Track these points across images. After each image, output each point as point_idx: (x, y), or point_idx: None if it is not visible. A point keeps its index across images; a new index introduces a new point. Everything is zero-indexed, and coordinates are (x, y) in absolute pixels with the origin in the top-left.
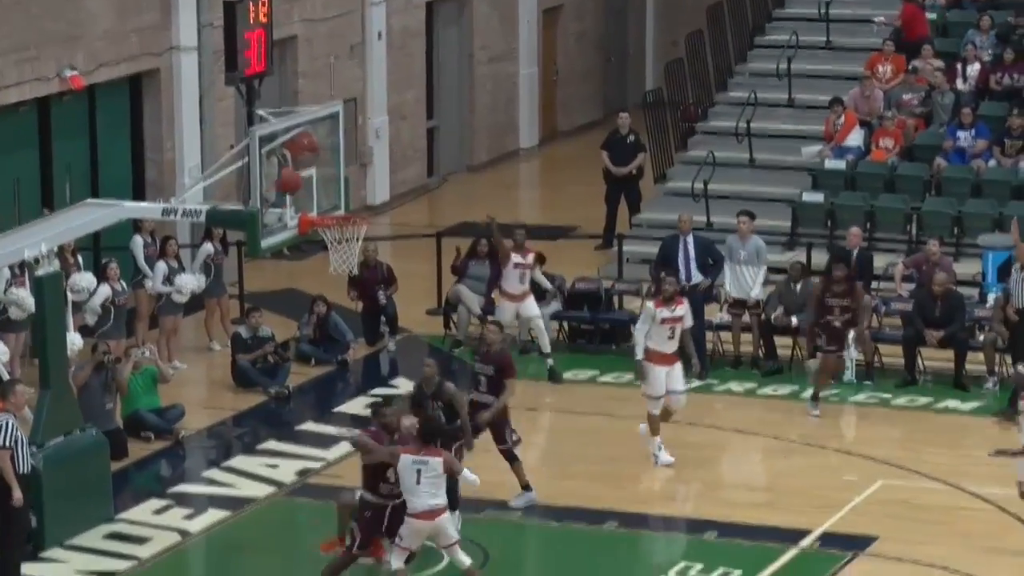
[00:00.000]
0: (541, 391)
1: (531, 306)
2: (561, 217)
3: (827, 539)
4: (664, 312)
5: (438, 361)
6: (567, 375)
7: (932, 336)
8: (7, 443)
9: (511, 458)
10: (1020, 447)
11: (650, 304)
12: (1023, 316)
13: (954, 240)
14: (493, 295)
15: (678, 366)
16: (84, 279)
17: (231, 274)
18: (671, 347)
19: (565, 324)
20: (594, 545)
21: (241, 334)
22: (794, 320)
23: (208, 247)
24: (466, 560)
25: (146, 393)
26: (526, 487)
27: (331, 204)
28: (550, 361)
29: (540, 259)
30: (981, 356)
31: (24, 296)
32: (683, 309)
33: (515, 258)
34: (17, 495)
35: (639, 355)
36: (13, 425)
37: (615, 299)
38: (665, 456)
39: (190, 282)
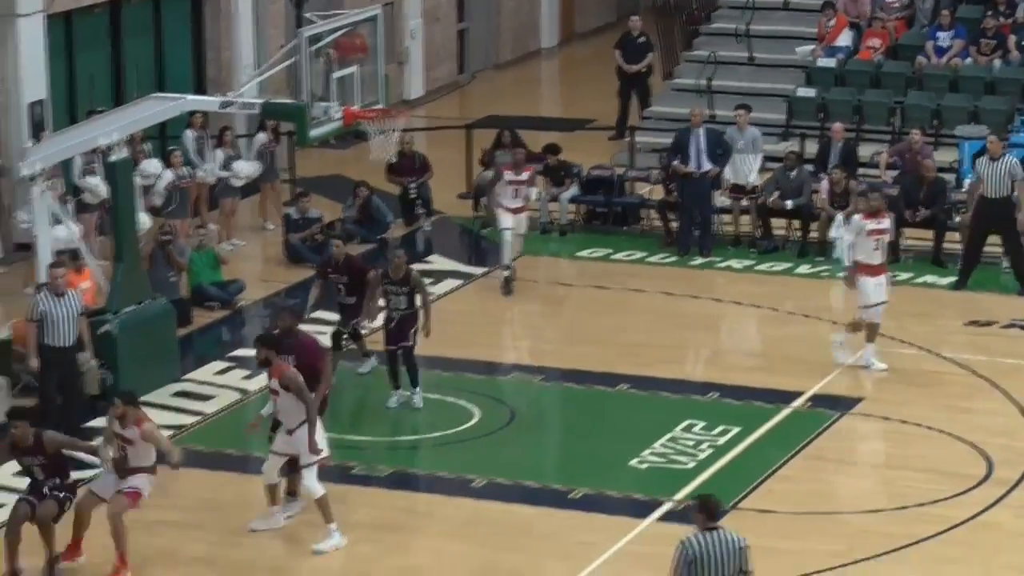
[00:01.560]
0: (560, 267)
1: (521, 222)
2: (578, 111)
3: (817, 400)
4: (871, 224)
5: (467, 240)
6: (583, 253)
7: (915, 216)
8: (35, 316)
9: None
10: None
11: (857, 217)
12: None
13: (933, 131)
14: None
15: (884, 277)
16: (151, 165)
17: (283, 161)
18: (878, 258)
19: (582, 207)
20: (609, 404)
21: (292, 215)
22: (788, 203)
23: (262, 137)
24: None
25: (209, 269)
26: None
27: (372, 99)
28: (506, 273)
29: (532, 181)
30: (957, 236)
31: (97, 183)
32: (888, 222)
33: (508, 175)
34: (32, 363)
35: (847, 264)
36: (42, 300)
37: (626, 185)
38: (879, 364)
39: (246, 168)
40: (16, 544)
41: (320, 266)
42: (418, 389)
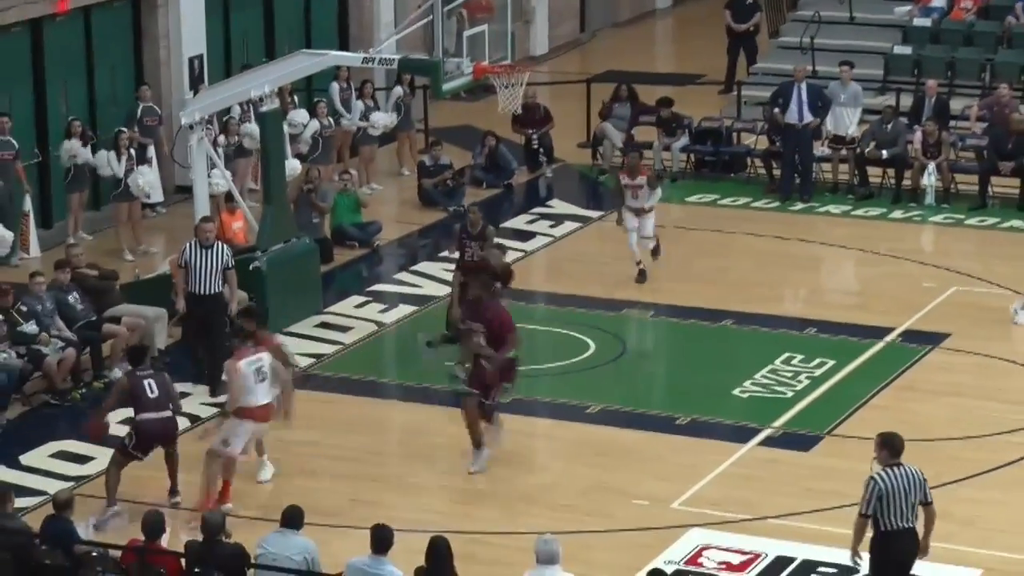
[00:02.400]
0: (672, 212)
1: (647, 225)
2: (690, 67)
3: (908, 335)
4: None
5: (586, 186)
6: (693, 198)
7: (1004, 167)
8: (181, 263)
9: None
10: None
11: None
12: None
13: (1021, 86)
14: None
15: None
16: (299, 115)
17: (418, 112)
18: None
19: (692, 156)
20: (713, 338)
21: (425, 162)
22: (884, 153)
23: (399, 90)
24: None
25: (350, 211)
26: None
27: (500, 55)
28: (639, 266)
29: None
30: None
31: (253, 129)
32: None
33: (624, 179)
34: (179, 304)
35: None
36: (189, 248)
37: (733, 135)
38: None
39: (383, 118)
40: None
41: (458, 235)
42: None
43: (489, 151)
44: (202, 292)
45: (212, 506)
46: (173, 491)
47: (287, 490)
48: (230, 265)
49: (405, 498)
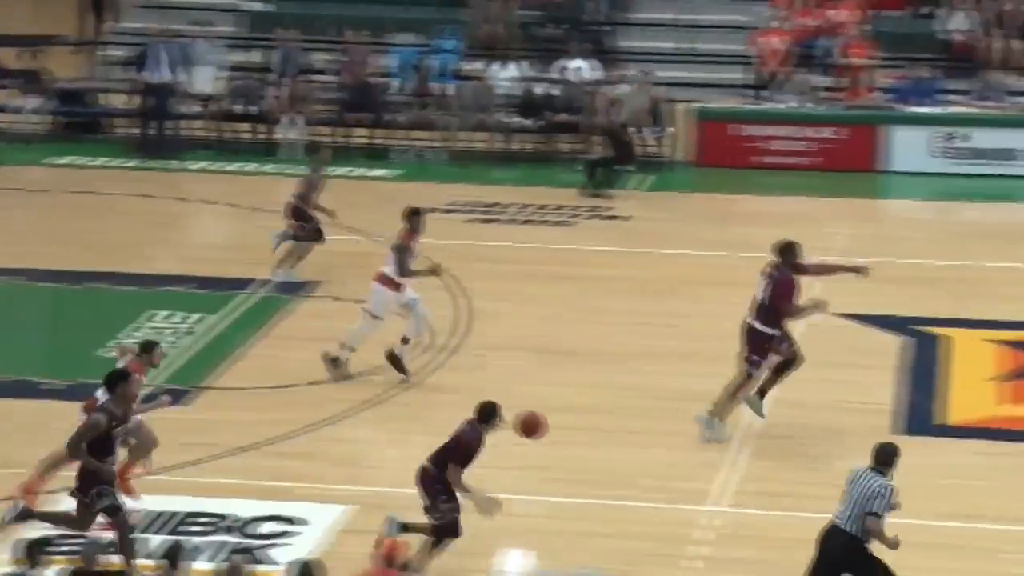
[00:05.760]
0: (31, 174)
1: None
2: (48, 27)
3: (282, 286)
4: None
5: None
6: (58, 161)
7: (356, 118)
8: None
9: None
10: None
11: None
12: None
13: (373, 40)
14: None
15: None
16: None
17: None
18: None
19: (55, 118)
20: (79, 301)
21: None
22: (246, 109)
23: None
24: None
25: None
26: None
27: None
28: None
29: None
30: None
31: None
32: None
33: None
34: None
35: None
36: None
37: (97, 96)
38: None
39: None
40: None
41: None
42: None
43: None
44: None
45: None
46: None
47: None
48: None
49: None
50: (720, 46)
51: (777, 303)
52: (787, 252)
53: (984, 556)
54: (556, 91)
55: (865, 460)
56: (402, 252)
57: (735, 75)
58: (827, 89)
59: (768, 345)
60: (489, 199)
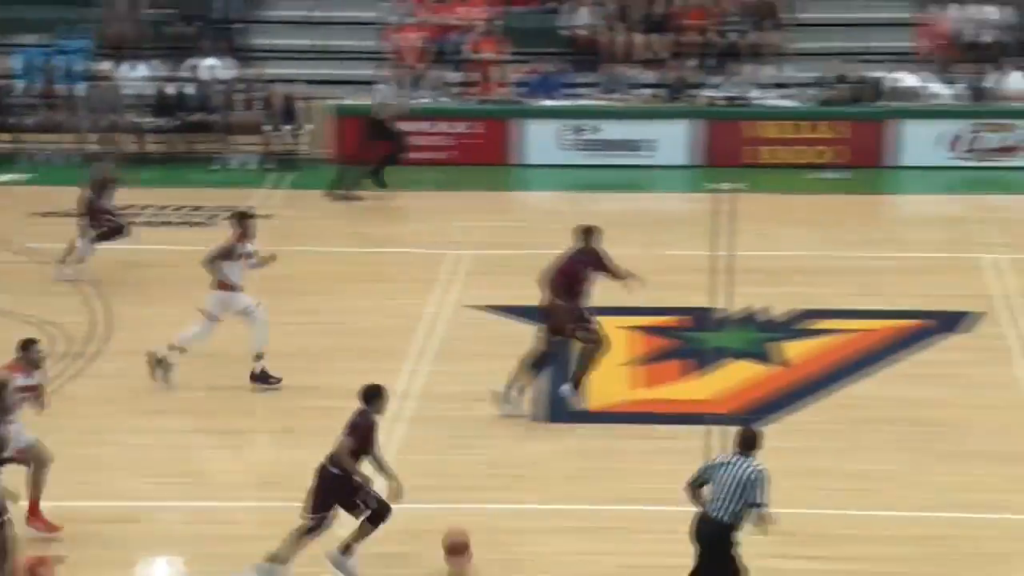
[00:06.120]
0: None
1: None
2: None
3: None
4: None
5: None
6: None
7: None
8: None
9: None
10: None
11: None
12: None
13: None
14: None
15: None
16: None
17: None
18: None
19: None
20: None
21: None
22: None
23: None
24: None
25: None
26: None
27: None
28: None
29: None
30: None
31: None
32: None
33: None
34: None
35: None
36: None
37: None
38: None
39: None
40: None
41: None
42: None
43: None
44: None
45: None
46: None
47: None
48: None
49: None
50: (354, 42)
51: (557, 277)
52: (588, 235)
53: (620, 536)
54: (190, 90)
55: (512, 450)
56: (222, 253)
57: (369, 72)
58: (460, 84)
59: (569, 323)
60: (123, 201)
